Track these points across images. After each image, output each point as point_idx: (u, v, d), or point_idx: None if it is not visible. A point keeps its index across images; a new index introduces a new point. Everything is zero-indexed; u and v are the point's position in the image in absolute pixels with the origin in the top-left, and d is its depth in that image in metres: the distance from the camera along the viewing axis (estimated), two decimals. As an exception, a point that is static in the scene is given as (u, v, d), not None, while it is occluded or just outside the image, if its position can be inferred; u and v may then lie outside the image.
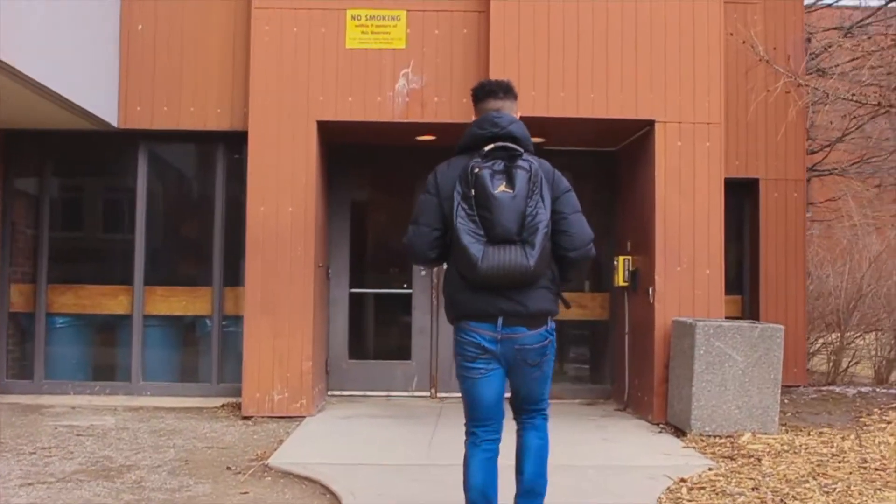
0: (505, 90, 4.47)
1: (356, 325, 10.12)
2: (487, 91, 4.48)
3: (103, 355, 9.74)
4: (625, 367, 9.27)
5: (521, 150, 4.23)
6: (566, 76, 8.46)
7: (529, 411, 4.46)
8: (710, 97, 8.48)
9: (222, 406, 8.98)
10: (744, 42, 9.48)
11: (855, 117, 14.15)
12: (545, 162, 4.36)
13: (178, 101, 9.14)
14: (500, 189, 4.08)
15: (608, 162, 10.02)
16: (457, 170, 4.23)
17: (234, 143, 9.22)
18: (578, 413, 8.99)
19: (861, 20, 15.60)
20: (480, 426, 4.31)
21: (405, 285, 10.01)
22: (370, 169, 10.34)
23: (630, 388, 9.13)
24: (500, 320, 4.20)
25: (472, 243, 4.08)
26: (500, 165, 4.14)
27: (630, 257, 9.12)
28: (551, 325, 4.34)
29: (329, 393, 9.77)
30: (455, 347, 4.38)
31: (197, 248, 9.72)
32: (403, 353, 10.03)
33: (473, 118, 4.47)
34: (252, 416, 8.42)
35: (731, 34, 9.38)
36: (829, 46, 13.40)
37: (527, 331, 4.23)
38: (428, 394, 9.87)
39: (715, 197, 8.45)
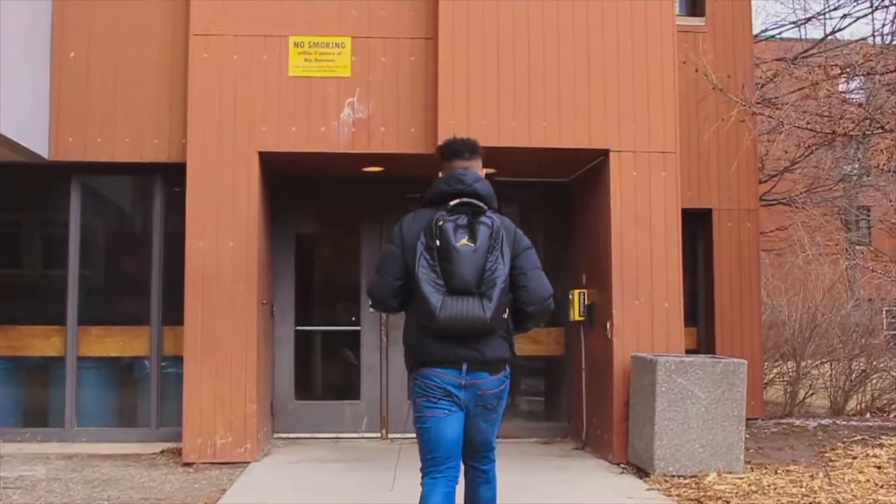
0: (471, 150, 4.58)
1: (302, 364, 9.72)
2: (454, 151, 4.57)
3: (35, 400, 9.20)
4: (582, 404, 8.98)
5: (485, 206, 4.34)
6: (517, 105, 8.21)
7: (480, 457, 4.52)
8: (665, 126, 8.28)
9: (162, 452, 8.50)
10: (696, 70, 9.32)
11: (808, 146, 14.14)
12: (507, 219, 4.46)
13: (112, 131, 8.71)
14: (462, 242, 4.20)
15: (561, 193, 9.78)
16: (422, 222, 4.33)
17: (173, 175, 8.77)
18: (535, 453, 8.67)
19: (805, 51, 15.69)
20: (441, 465, 4.34)
21: (353, 320, 9.63)
22: (315, 202, 9.99)
23: (588, 426, 8.84)
24: (464, 367, 4.27)
25: (432, 293, 4.17)
26: (463, 220, 4.26)
27: (585, 291, 8.86)
28: (507, 370, 4.43)
29: (275, 435, 9.35)
30: (415, 391, 4.39)
31: (134, 286, 9.27)
32: (352, 392, 9.64)
33: (438, 173, 4.58)
34: (193, 463, 7.97)
35: (684, 62, 9.21)
36: (776, 76, 13.41)
37: (489, 376, 4.32)
38: (378, 435, 9.48)
39: (672, 228, 8.23)
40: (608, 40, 8.28)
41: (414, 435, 4.44)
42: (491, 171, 8.88)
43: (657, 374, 7.32)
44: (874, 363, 12.55)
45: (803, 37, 18.58)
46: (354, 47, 8.38)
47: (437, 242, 4.19)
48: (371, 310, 9.49)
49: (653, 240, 8.18)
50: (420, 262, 4.21)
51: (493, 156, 8.49)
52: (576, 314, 8.87)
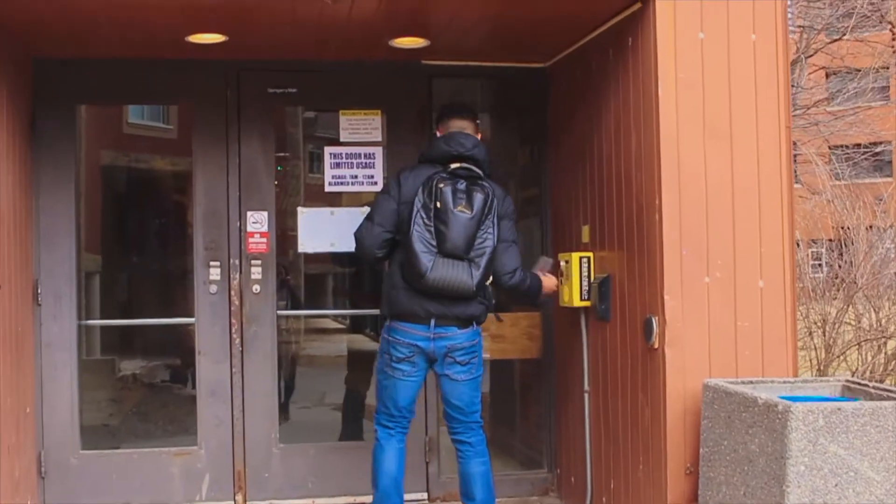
0: (467, 110, 4.79)
1: (94, 385, 5.68)
2: (451, 112, 4.75)
3: None
4: (586, 451, 5.16)
5: (481, 173, 4.47)
6: None
7: (464, 426, 4.54)
8: (751, -51, 4.47)
9: None
10: None
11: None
12: (497, 186, 4.55)
13: None
14: (460, 208, 4.33)
15: (533, 89, 5.86)
16: (420, 178, 4.44)
17: None
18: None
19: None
20: (394, 420, 4.57)
21: (183, 311, 5.63)
22: (112, 105, 6.02)
23: (596, 487, 5.07)
24: (433, 321, 4.41)
25: (424, 252, 4.31)
26: (462, 185, 4.38)
27: (591, 255, 5.04)
28: (478, 328, 4.55)
29: (48, 512, 5.37)
30: (383, 342, 4.56)
31: None
32: (183, 432, 5.71)
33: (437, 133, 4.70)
34: None
35: None
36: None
37: (457, 330, 4.45)
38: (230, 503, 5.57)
39: (770, 139, 4.46)
40: None
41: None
42: (422, 42, 5.06)
43: (790, 435, 3.56)
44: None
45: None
46: None
47: (437, 204, 4.31)
48: (211, 290, 5.52)
49: (735, 164, 4.38)
50: (416, 220, 4.32)
51: (422, 11, 4.62)
52: (574, 296, 5.05)
